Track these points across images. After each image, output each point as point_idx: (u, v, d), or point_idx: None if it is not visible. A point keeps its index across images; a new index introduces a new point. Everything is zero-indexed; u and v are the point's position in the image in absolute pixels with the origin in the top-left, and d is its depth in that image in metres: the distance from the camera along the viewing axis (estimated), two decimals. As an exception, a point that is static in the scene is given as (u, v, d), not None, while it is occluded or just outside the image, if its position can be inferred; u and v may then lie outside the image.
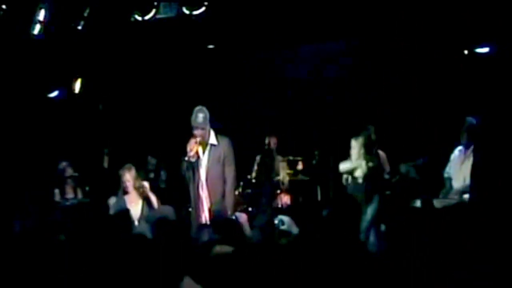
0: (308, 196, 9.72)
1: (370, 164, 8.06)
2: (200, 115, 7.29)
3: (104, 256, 4.28)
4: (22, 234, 5.36)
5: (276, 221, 8.46)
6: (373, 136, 8.96)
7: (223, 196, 7.27)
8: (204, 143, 7.34)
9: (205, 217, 7.09)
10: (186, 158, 7.23)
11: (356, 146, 8.12)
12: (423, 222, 4.58)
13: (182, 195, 8.44)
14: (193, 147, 7.22)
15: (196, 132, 7.27)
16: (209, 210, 7.05)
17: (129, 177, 7.79)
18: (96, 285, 4.12)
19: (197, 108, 7.40)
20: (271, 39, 9.82)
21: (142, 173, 9.26)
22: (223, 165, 7.33)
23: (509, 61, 6.61)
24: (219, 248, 4.35)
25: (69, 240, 4.82)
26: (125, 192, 7.74)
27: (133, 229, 7.03)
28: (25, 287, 4.23)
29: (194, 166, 7.30)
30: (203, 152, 7.37)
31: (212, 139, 7.39)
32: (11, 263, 4.35)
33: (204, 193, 7.30)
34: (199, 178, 7.32)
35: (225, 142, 7.43)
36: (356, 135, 8.62)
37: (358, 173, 8.06)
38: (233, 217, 6.22)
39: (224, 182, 7.33)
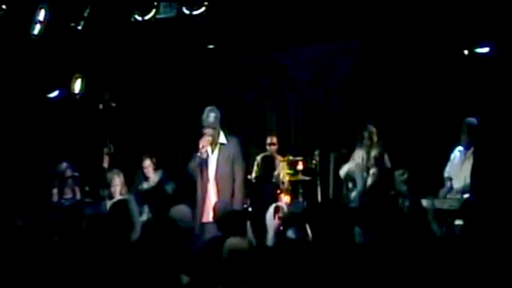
0: (308, 196, 9.70)
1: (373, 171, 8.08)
2: (212, 115, 7.38)
3: (101, 256, 4.29)
4: (21, 233, 5.36)
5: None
6: (374, 138, 8.94)
7: (232, 194, 7.34)
8: (214, 142, 7.40)
9: (210, 214, 7.11)
10: (198, 155, 7.29)
11: (360, 155, 8.10)
12: (423, 222, 4.59)
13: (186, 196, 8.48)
14: (205, 144, 7.28)
15: (206, 131, 7.33)
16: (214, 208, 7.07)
17: (118, 181, 7.84)
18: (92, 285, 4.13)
19: (209, 108, 7.48)
20: (271, 39, 9.83)
21: (141, 173, 9.27)
22: (232, 164, 7.41)
23: (509, 61, 6.62)
24: (223, 244, 4.35)
25: (66, 239, 4.83)
26: (111, 197, 7.79)
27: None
28: (23, 286, 4.23)
29: (203, 164, 7.36)
30: (212, 151, 7.45)
31: (222, 139, 7.47)
32: (11, 261, 4.35)
33: (213, 191, 7.35)
34: (207, 176, 7.42)
35: (234, 141, 7.54)
36: (356, 135, 8.61)
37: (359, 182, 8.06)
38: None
39: (233, 181, 7.42)
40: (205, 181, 7.42)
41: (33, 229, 5.18)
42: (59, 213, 7.96)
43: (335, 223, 4.03)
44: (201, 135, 7.45)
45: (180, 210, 6.04)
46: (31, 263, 4.33)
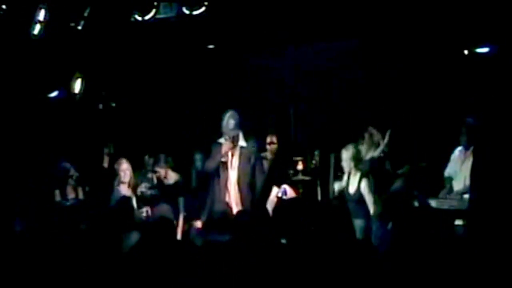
0: (308, 196, 9.70)
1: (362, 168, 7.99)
2: (232, 122, 7.22)
3: (105, 255, 4.30)
4: (23, 234, 5.36)
5: (280, 193, 8.47)
6: (375, 137, 8.92)
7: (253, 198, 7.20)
8: (234, 146, 7.30)
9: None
10: (222, 160, 7.17)
11: (347, 158, 8.05)
12: (422, 222, 4.58)
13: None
14: (227, 150, 7.15)
15: (227, 138, 7.18)
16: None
17: (126, 166, 7.83)
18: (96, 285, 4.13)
19: (228, 114, 7.30)
20: (271, 39, 9.82)
21: (140, 173, 9.27)
22: (254, 167, 7.29)
23: (509, 61, 6.62)
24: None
25: (70, 239, 4.84)
26: (119, 184, 7.78)
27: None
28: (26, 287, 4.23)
29: (222, 167, 7.25)
30: (233, 155, 7.30)
31: (242, 141, 7.34)
32: (12, 263, 4.36)
33: (234, 197, 7.20)
34: (227, 181, 7.24)
35: (252, 143, 7.40)
36: (356, 135, 8.60)
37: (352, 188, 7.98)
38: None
39: (255, 185, 7.29)
40: (223, 185, 7.24)
41: (34, 230, 5.17)
42: (61, 214, 7.96)
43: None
44: (201, 134, 7.40)
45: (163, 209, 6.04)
46: (32, 263, 4.34)
